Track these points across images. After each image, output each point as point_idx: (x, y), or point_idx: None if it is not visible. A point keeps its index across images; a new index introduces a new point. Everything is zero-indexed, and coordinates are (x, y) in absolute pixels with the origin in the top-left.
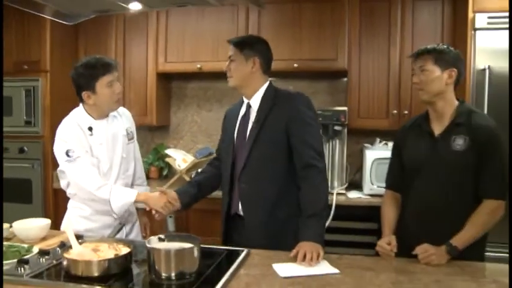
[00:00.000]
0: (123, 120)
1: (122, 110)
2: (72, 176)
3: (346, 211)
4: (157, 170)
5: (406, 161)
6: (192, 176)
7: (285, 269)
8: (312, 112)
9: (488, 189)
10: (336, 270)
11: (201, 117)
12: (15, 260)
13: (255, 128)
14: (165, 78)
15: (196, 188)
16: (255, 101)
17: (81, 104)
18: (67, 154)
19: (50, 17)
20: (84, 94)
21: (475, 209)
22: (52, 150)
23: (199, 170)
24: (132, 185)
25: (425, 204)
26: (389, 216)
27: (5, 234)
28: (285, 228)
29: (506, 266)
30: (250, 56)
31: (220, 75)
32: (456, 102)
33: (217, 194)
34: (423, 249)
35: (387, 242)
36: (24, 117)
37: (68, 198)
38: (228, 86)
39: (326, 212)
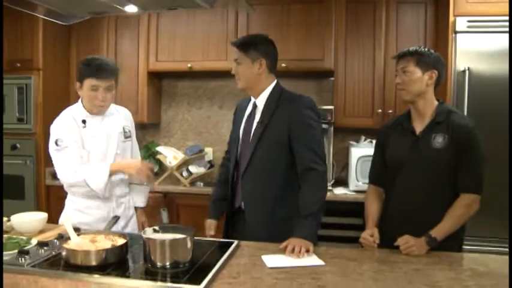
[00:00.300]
0: (120, 118)
1: (121, 108)
2: (55, 163)
3: (333, 207)
4: None
5: (389, 157)
6: (183, 173)
7: (272, 260)
8: (316, 115)
9: (466, 184)
10: (322, 263)
11: (191, 116)
12: (16, 251)
13: (259, 128)
14: (156, 77)
15: (224, 204)
16: (261, 101)
17: (80, 98)
18: (56, 143)
19: (46, 17)
20: (76, 84)
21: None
22: (44, 147)
23: (217, 174)
24: (130, 184)
25: (407, 198)
26: (372, 210)
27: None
28: (285, 228)
29: (480, 256)
30: (256, 58)
31: (211, 74)
32: (436, 102)
33: (210, 190)
34: (404, 241)
35: (370, 234)
36: (17, 115)
37: (62, 195)
38: (218, 85)
39: (322, 212)
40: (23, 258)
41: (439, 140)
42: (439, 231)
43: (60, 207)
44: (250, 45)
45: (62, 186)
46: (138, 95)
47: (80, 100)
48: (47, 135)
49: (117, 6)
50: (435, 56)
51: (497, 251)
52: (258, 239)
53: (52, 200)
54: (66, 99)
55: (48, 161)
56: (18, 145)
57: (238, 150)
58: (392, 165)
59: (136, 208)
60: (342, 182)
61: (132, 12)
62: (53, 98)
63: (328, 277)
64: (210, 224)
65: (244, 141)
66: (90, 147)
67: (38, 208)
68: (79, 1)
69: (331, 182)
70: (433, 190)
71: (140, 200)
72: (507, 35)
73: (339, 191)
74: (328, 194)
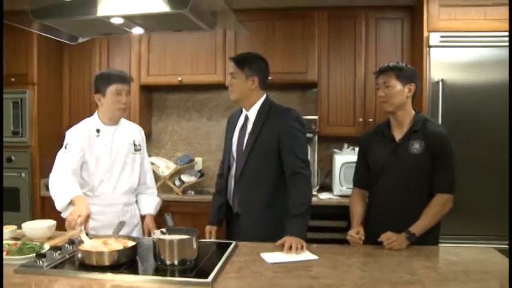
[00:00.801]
0: (131, 131)
1: (132, 124)
2: (55, 162)
3: (318, 211)
4: None
5: (371, 163)
6: (175, 182)
7: (271, 256)
8: (301, 126)
9: (441, 184)
10: (316, 257)
11: (181, 127)
12: (34, 254)
13: (251, 138)
14: (147, 90)
15: (224, 208)
16: (252, 114)
17: (96, 111)
18: (65, 146)
19: (55, 38)
20: (96, 96)
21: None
22: (39, 159)
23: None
24: (138, 193)
25: (388, 199)
26: (357, 210)
27: (13, 235)
28: (276, 228)
29: (453, 248)
30: (250, 75)
31: (199, 87)
32: (413, 112)
33: (206, 198)
34: (387, 237)
35: (356, 232)
36: (12, 128)
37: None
38: (206, 97)
39: (309, 212)
40: (40, 261)
41: (416, 147)
42: (417, 228)
43: (55, 217)
44: (246, 63)
45: None
46: (130, 108)
47: (95, 113)
48: (42, 147)
49: (125, 29)
50: (412, 70)
51: (469, 246)
52: (252, 239)
53: (47, 211)
54: (59, 112)
55: (43, 173)
56: (13, 157)
57: (231, 160)
58: (374, 170)
59: (145, 215)
60: (327, 187)
61: (138, 33)
62: (47, 112)
63: (320, 269)
64: (211, 230)
65: (238, 151)
66: (100, 153)
67: (33, 219)
68: (91, 24)
69: (317, 188)
70: (411, 192)
71: (150, 207)
72: (476, 48)
73: (324, 195)
74: (314, 198)
